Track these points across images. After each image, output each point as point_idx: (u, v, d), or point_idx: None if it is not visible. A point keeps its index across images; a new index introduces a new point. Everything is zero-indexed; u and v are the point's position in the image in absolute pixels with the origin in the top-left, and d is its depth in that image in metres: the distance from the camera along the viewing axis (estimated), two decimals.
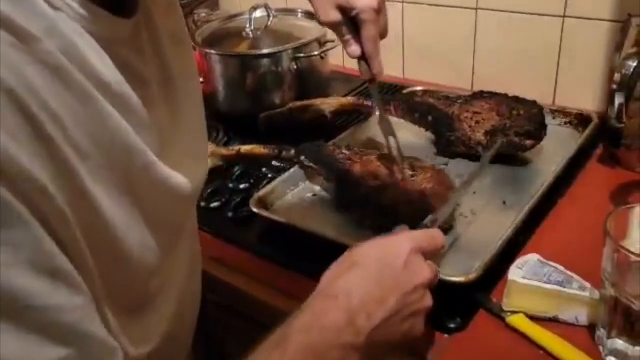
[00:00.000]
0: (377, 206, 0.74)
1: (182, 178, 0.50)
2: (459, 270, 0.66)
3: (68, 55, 0.37)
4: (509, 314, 0.62)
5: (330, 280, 0.49)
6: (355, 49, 0.71)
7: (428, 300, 0.51)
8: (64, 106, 0.36)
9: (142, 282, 0.47)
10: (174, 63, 0.52)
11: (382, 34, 0.71)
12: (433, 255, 0.54)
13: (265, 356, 0.44)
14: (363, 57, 0.73)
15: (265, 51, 1.07)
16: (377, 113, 0.81)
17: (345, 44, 0.72)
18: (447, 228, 0.74)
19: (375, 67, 0.73)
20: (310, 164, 0.86)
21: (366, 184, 0.78)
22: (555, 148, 0.89)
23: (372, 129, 1.00)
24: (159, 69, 0.50)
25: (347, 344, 0.45)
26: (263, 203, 0.82)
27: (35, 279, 0.34)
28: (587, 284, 0.62)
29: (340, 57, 1.19)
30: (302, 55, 1.06)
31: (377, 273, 0.49)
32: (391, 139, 0.80)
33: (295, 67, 1.06)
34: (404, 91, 1.08)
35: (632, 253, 0.53)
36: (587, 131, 0.90)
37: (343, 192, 0.78)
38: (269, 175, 0.92)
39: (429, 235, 0.56)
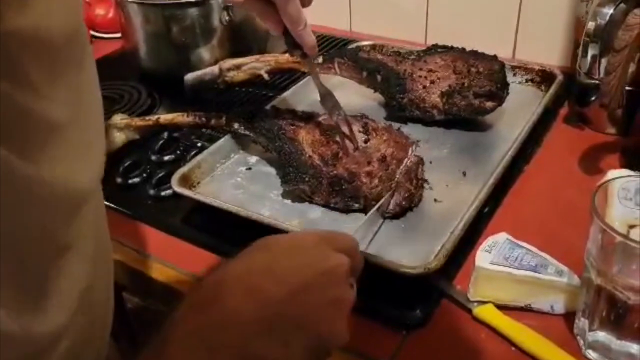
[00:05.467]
0: (330, 180, 0.64)
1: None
2: (416, 256, 0.57)
3: None
4: (475, 304, 0.55)
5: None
6: (275, 25, 0.61)
7: (351, 294, 0.43)
8: None
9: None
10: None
11: (305, 1, 0.61)
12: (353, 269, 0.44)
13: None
14: (287, 32, 0.62)
15: None
16: (319, 92, 0.70)
17: (263, 19, 0.61)
18: (408, 208, 0.65)
19: (305, 41, 0.62)
20: (247, 133, 0.74)
21: (316, 153, 0.67)
22: (517, 109, 0.81)
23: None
24: None
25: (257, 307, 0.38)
26: (188, 181, 0.70)
27: None
28: (564, 268, 0.54)
29: None
30: None
31: (287, 251, 0.43)
32: (339, 118, 0.70)
33: (227, 18, 0.95)
34: (350, 46, 0.97)
35: (621, 234, 0.45)
36: (552, 89, 0.82)
37: (289, 163, 0.67)
38: (199, 145, 0.80)
39: (344, 237, 0.47)
